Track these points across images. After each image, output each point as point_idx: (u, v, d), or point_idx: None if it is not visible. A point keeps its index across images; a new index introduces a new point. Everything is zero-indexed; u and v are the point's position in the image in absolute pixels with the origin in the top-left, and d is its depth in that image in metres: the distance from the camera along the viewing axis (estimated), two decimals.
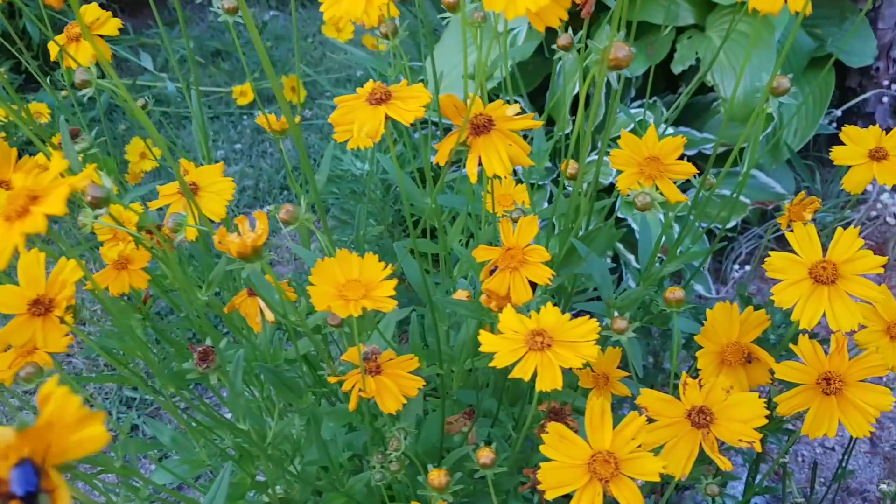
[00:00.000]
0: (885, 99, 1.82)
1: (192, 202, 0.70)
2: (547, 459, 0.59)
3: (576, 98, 1.65)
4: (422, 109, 0.63)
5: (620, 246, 1.69)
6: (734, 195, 0.96)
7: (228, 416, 1.17)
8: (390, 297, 0.63)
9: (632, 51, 0.55)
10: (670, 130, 1.66)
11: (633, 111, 1.76)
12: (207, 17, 3.39)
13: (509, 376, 0.59)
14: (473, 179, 0.65)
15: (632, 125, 1.55)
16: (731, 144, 1.70)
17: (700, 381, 0.64)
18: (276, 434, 1.03)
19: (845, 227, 0.69)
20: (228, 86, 2.88)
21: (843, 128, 0.85)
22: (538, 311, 0.66)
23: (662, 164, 0.71)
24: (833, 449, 1.48)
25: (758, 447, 0.60)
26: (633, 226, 1.67)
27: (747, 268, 1.62)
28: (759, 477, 1.10)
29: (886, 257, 0.65)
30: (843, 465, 1.17)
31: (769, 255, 0.67)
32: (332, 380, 0.76)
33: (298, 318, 0.78)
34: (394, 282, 0.63)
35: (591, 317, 0.70)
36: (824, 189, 1.83)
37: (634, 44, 1.92)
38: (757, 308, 0.89)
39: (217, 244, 0.67)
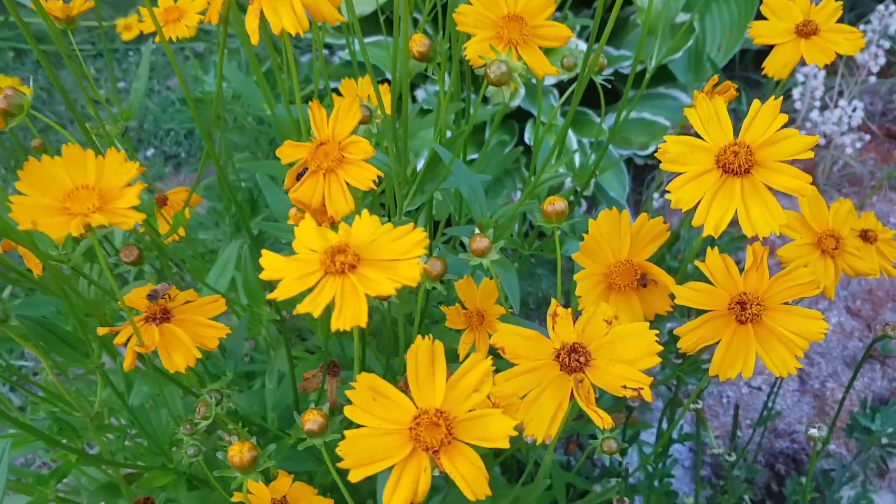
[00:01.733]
0: None
1: None
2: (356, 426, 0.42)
3: None
4: None
5: None
6: (626, 113, 0.80)
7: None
8: (134, 208, 0.44)
9: None
10: (583, 46, 1.49)
11: None
12: None
13: (294, 311, 0.41)
14: (254, 40, 0.46)
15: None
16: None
17: (572, 311, 0.48)
18: (103, 403, 0.85)
19: None
20: (113, 19, 2.61)
21: None
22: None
23: (527, 25, 0.53)
24: (760, 388, 1.36)
25: (647, 396, 0.44)
26: None
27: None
28: (678, 424, 0.97)
29: (817, 137, 0.49)
30: (770, 405, 1.04)
31: (663, 142, 0.50)
32: (101, 331, 0.57)
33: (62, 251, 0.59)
34: (138, 188, 0.45)
35: None
36: None
37: None
38: (675, 237, 0.73)
39: None
